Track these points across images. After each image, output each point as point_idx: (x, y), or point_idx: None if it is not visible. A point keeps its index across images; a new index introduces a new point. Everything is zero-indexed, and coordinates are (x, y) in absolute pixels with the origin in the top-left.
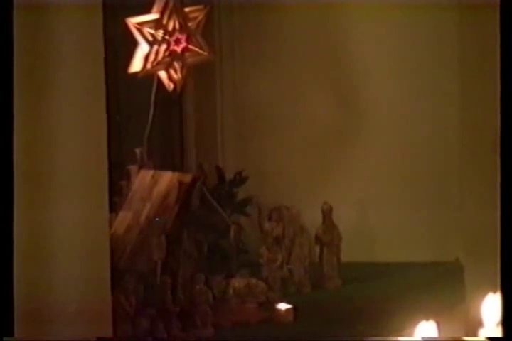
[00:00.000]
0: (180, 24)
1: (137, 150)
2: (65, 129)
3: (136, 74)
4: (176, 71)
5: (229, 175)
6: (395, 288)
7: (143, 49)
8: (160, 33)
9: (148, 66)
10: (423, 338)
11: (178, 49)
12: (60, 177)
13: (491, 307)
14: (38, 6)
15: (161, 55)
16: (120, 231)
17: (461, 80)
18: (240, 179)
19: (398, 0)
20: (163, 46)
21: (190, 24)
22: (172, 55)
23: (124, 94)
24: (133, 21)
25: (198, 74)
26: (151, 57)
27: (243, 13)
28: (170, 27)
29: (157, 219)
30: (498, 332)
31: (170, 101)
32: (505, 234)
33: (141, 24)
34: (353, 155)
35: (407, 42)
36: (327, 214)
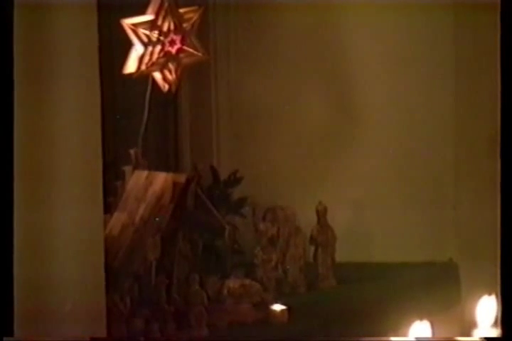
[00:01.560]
0: (175, 25)
1: (132, 151)
2: (60, 129)
3: (130, 75)
4: (170, 72)
5: (224, 176)
6: (390, 288)
7: (137, 50)
8: (155, 34)
9: (143, 67)
10: (418, 338)
11: (173, 50)
12: (55, 178)
13: (485, 307)
14: (32, 6)
15: (155, 56)
16: (115, 231)
17: (458, 80)
18: (234, 179)
19: (395, 0)
20: (158, 47)
21: (184, 25)
22: (167, 56)
23: (119, 95)
24: (128, 22)
25: (193, 75)
26: (146, 58)
27: (238, 13)
28: (165, 28)
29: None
30: (492, 333)
31: (165, 102)
32: (504, 235)
33: (136, 25)
34: (349, 155)
35: (403, 42)
36: (322, 214)
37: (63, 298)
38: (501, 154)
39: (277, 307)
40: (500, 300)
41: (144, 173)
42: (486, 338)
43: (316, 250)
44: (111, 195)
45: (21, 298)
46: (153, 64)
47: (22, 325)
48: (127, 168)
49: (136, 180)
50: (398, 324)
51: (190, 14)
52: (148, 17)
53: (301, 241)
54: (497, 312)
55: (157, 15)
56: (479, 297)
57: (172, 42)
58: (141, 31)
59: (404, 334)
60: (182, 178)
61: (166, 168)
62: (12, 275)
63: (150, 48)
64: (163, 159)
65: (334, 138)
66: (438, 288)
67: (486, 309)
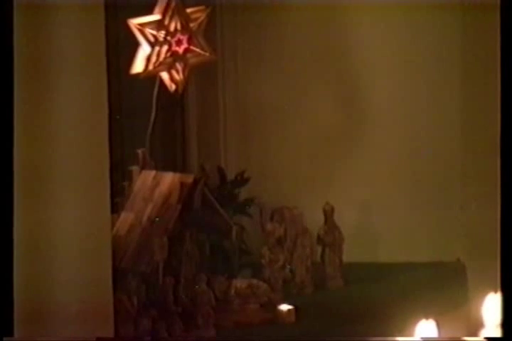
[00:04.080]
0: (181, 25)
1: (139, 151)
2: (67, 130)
3: (138, 75)
4: (177, 72)
5: (231, 176)
6: (397, 288)
7: (145, 50)
8: (162, 34)
9: (150, 67)
10: (424, 338)
11: (180, 50)
12: (62, 178)
13: (492, 307)
14: (38, 6)
15: (162, 55)
16: (122, 231)
17: (464, 80)
18: (241, 179)
19: (400, 0)
20: (165, 47)
21: (191, 25)
22: (174, 55)
23: (126, 95)
24: (135, 22)
25: (200, 74)
26: (153, 58)
27: (245, 13)
28: (171, 28)
29: (157, 219)
30: (499, 333)
31: (172, 102)
32: (505, 235)
33: (143, 25)
34: (356, 155)
35: (409, 42)
36: (329, 214)
37: (70, 298)
38: (501, 155)
39: (284, 307)
40: (502, 300)
41: (152, 173)
42: (491, 338)
43: (323, 250)
44: (118, 195)
45: (28, 298)
46: (160, 64)
47: (24, 326)
48: (135, 168)
49: (144, 180)
50: (405, 324)
51: (197, 14)
52: (155, 17)
53: (308, 241)
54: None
55: (164, 15)
56: (486, 297)
57: (179, 42)
58: (148, 31)
59: (411, 334)
60: (189, 178)
61: (174, 168)
62: (12, 276)
63: (157, 48)
64: (170, 159)
65: (341, 139)
66: (445, 288)
67: (493, 308)
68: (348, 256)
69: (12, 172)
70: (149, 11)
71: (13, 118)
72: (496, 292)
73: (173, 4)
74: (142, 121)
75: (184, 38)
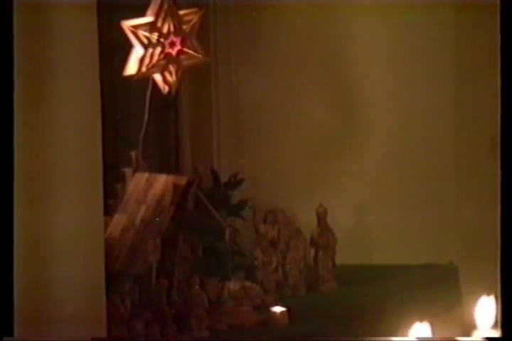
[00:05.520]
0: (174, 27)
1: (132, 153)
2: (60, 131)
3: (131, 77)
4: (171, 74)
5: (224, 178)
6: (391, 290)
7: (138, 52)
8: (155, 36)
9: (144, 69)
10: (420, 338)
11: (173, 52)
12: (55, 180)
13: (485, 309)
14: (32, 7)
15: (155, 57)
16: (115, 233)
17: (458, 81)
18: (235, 181)
19: (395, 0)
20: (158, 49)
21: (184, 27)
22: (167, 57)
23: (120, 97)
24: (128, 24)
25: (194, 76)
26: (146, 60)
27: (238, 15)
28: (165, 30)
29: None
30: (492, 334)
31: (165, 104)
32: (504, 236)
33: (136, 27)
34: (349, 157)
35: (404, 42)
36: (322, 216)
37: (64, 300)
38: (501, 156)
39: (278, 309)
40: (500, 301)
41: (145, 175)
42: (490, 338)
43: (316, 252)
44: (111, 197)
45: (22, 300)
46: (153, 66)
47: (22, 326)
48: (128, 170)
49: (137, 182)
50: (399, 326)
51: (190, 16)
52: (148, 19)
53: (301, 243)
54: (497, 314)
55: (157, 17)
56: (479, 299)
57: (172, 44)
58: (141, 33)
59: (405, 336)
60: (182, 180)
61: (167, 170)
62: (12, 277)
63: (150, 50)
64: (163, 161)
65: (335, 141)
66: (438, 290)
67: (486, 310)
68: (341, 258)
69: (12, 175)
70: (142, 13)
71: (13, 118)
72: (488, 294)
73: (165, 6)
74: (135, 123)
75: (177, 40)
